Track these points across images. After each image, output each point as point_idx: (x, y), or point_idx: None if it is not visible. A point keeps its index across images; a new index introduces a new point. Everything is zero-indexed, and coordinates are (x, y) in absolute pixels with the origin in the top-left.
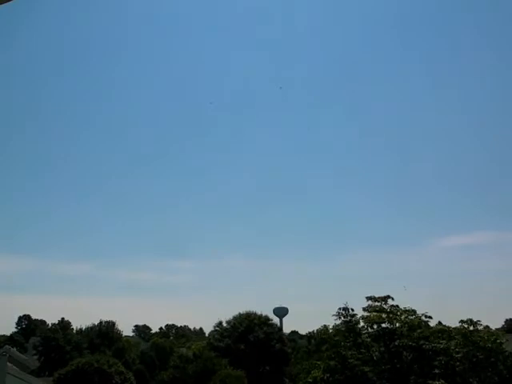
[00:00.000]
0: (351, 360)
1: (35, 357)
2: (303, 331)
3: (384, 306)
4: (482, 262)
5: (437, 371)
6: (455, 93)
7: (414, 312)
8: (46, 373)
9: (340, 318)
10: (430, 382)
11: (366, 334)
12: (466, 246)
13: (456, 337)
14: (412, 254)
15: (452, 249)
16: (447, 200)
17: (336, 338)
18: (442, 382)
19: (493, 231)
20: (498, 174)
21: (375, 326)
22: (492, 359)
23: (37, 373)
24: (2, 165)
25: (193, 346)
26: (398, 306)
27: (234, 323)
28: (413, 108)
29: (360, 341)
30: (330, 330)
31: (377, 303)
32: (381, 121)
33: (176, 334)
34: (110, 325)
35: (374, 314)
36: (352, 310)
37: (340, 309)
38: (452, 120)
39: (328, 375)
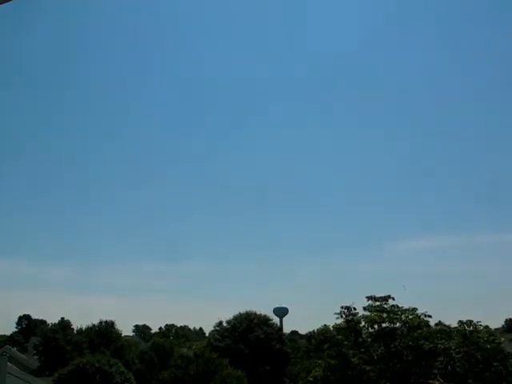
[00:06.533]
0: (353, 359)
1: (35, 357)
2: (303, 331)
3: (384, 305)
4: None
5: (437, 371)
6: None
7: (413, 311)
8: (46, 373)
9: (342, 316)
10: (430, 381)
11: (367, 334)
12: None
13: (455, 337)
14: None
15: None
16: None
17: (338, 337)
18: (442, 381)
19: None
20: (463, 177)
21: (376, 326)
22: (491, 359)
23: (37, 372)
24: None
25: (193, 346)
26: (398, 305)
27: (234, 323)
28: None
29: (361, 340)
30: (331, 329)
31: (377, 303)
32: (372, 123)
33: (176, 333)
34: (110, 325)
35: (375, 313)
36: (354, 308)
37: (342, 307)
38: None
39: (329, 374)
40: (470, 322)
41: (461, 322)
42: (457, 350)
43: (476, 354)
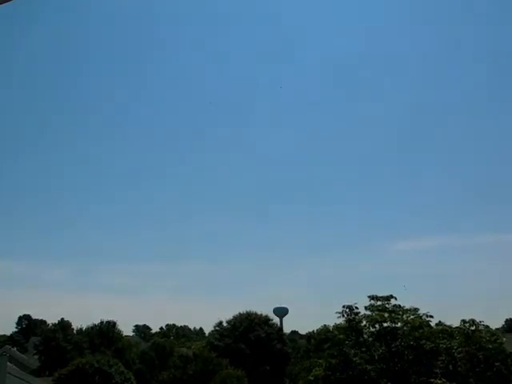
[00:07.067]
0: (354, 359)
1: (35, 357)
2: (303, 331)
3: (386, 305)
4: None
5: (438, 371)
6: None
7: (415, 311)
8: (46, 373)
9: (343, 315)
10: (432, 381)
11: (368, 333)
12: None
13: (457, 337)
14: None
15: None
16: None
17: (339, 336)
18: (444, 380)
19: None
20: (463, 177)
21: (377, 326)
22: (492, 359)
23: (37, 372)
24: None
25: (193, 346)
26: (400, 305)
27: (234, 323)
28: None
29: (362, 340)
30: (331, 329)
31: (379, 302)
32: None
33: (176, 334)
34: (111, 325)
35: (377, 313)
36: (356, 308)
37: (344, 307)
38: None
39: (329, 373)
40: (473, 321)
41: (463, 321)
42: (458, 349)
43: (478, 354)
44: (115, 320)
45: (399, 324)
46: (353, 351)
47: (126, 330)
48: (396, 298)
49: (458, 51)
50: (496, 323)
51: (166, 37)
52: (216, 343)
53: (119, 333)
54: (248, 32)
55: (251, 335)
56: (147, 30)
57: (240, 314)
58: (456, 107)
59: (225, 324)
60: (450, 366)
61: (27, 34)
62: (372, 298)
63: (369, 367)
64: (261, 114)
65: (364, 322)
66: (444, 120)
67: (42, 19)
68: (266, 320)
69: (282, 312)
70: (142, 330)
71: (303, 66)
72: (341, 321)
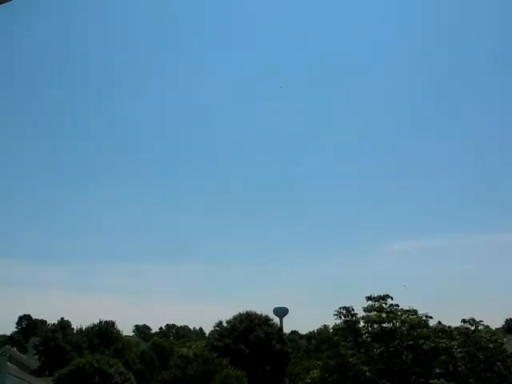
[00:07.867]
0: (351, 359)
1: (35, 357)
2: (303, 331)
3: (384, 305)
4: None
5: (437, 371)
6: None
7: (415, 312)
8: (46, 373)
9: (340, 317)
10: (431, 381)
11: (366, 334)
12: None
13: (457, 337)
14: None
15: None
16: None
17: (335, 338)
18: (443, 381)
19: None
20: (463, 177)
21: (375, 326)
22: (492, 359)
23: (37, 372)
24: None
25: (193, 346)
26: (397, 305)
27: (234, 323)
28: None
29: (360, 340)
30: (331, 330)
31: (377, 303)
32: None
33: (176, 333)
34: (110, 325)
35: (374, 313)
36: (353, 309)
37: (341, 308)
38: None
39: (327, 375)
40: (473, 320)
41: (463, 321)
42: (458, 349)
43: (478, 354)
44: (114, 320)
45: (397, 324)
46: (350, 352)
47: (126, 330)
48: (392, 298)
49: (458, 50)
50: (496, 323)
51: (167, 36)
52: (216, 343)
53: (118, 333)
54: (248, 32)
55: (251, 335)
56: (147, 30)
57: (240, 314)
58: (456, 106)
59: (225, 324)
60: (450, 367)
61: (27, 34)
62: (369, 298)
63: (364, 368)
64: (261, 114)
65: (362, 323)
66: (444, 119)
67: (42, 19)
68: (265, 320)
69: (282, 312)
70: (142, 330)
71: (302, 66)
72: (340, 322)
